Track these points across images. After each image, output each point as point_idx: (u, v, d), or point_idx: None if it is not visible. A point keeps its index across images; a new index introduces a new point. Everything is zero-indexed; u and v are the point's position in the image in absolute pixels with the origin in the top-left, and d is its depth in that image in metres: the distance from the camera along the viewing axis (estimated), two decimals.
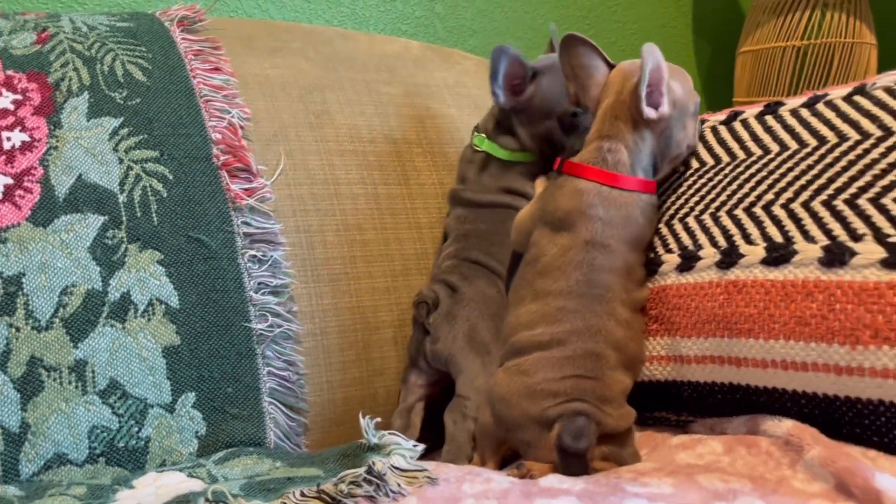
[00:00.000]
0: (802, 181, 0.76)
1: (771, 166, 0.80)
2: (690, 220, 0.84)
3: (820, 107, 0.81)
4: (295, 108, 1.04)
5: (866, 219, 0.69)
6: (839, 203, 0.71)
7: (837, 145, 0.75)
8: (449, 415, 0.89)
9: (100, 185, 0.85)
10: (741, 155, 0.84)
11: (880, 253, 0.66)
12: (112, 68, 0.92)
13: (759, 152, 0.83)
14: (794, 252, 0.71)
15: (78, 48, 0.92)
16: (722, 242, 0.79)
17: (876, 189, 0.69)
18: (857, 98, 0.78)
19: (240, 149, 0.93)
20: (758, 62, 1.66)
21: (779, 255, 0.72)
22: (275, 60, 1.07)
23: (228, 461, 0.77)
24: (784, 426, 0.70)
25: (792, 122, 0.82)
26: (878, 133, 0.73)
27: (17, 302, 0.78)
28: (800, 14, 1.62)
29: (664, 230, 0.86)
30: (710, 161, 0.87)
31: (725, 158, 0.86)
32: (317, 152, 1.02)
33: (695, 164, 0.88)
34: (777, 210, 0.76)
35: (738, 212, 0.79)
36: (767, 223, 0.76)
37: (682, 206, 0.86)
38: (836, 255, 0.68)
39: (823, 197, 0.73)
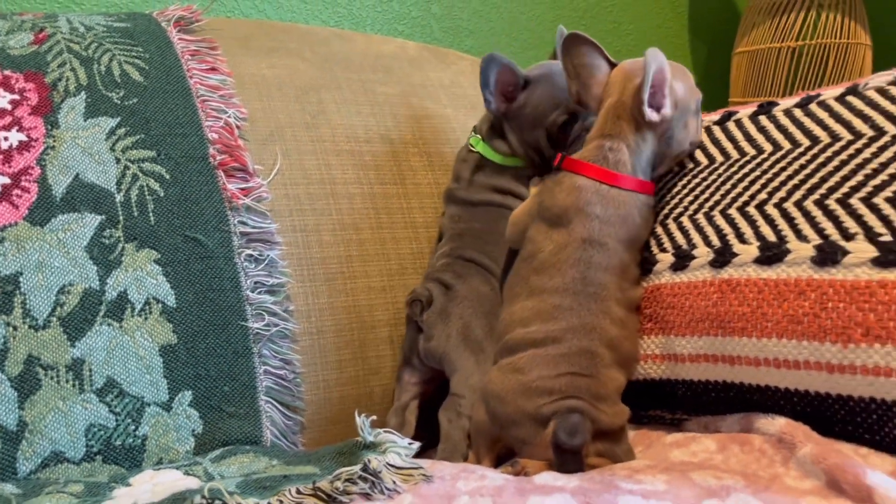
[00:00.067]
0: (795, 181, 0.76)
1: (764, 166, 0.80)
2: (685, 220, 0.84)
3: (813, 107, 0.82)
4: (291, 108, 1.04)
5: (858, 218, 0.69)
6: (831, 202, 0.72)
7: (830, 145, 0.76)
8: (443, 413, 0.89)
9: (97, 184, 0.85)
10: (735, 155, 0.85)
11: (872, 252, 0.67)
12: (109, 68, 0.92)
13: (752, 152, 0.83)
14: (787, 251, 0.72)
15: (75, 48, 0.92)
16: (716, 241, 0.79)
17: (868, 188, 0.70)
18: (850, 98, 0.79)
19: (236, 148, 0.94)
20: (753, 63, 1.67)
21: (772, 254, 0.73)
22: (271, 60, 1.08)
23: (225, 459, 0.77)
24: (777, 424, 0.71)
25: (785, 122, 0.83)
26: (870, 133, 0.74)
27: (15, 301, 0.78)
28: (795, 15, 1.63)
29: (659, 229, 0.86)
30: (704, 161, 0.87)
31: (719, 158, 0.86)
32: (313, 152, 1.03)
33: (689, 163, 0.89)
34: (770, 209, 0.76)
35: (732, 211, 0.80)
36: (761, 222, 0.76)
37: (676, 206, 0.86)
38: (828, 254, 0.69)
39: (816, 196, 0.73)
